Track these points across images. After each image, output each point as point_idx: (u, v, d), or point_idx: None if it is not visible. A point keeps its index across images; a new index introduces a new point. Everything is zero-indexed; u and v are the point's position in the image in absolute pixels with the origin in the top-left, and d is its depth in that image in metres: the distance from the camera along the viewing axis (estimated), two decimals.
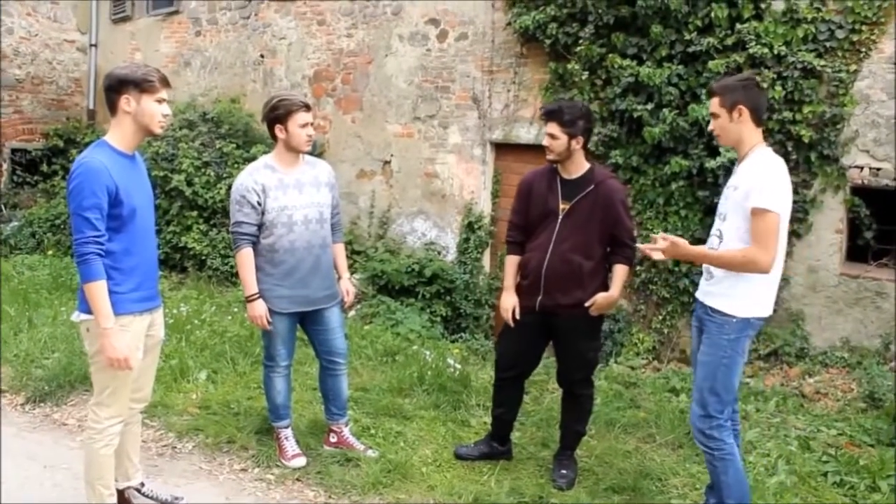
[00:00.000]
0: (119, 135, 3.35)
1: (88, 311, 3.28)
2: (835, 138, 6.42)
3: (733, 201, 3.44)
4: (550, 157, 4.10)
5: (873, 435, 5.05)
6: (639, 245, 3.71)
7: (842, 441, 4.95)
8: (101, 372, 3.37)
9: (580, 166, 4.12)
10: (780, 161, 3.45)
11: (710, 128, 3.62)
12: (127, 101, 3.29)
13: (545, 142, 4.08)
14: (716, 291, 3.50)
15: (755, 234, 3.32)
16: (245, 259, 4.09)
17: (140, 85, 3.29)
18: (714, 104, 3.51)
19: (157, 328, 3.61)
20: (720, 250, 3.45)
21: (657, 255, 3.53)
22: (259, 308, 4.07)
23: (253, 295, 4.08)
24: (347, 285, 4.42)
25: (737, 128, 3.46)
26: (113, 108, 3.33)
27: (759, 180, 3.33)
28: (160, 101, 3.35)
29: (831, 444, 4.89)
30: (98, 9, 13.11)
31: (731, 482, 3.53)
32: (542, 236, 4.12)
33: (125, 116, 3.32)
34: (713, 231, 3.61)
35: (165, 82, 3.38)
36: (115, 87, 3.30)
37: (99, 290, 3.19)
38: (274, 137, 4.16)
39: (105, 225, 3.22)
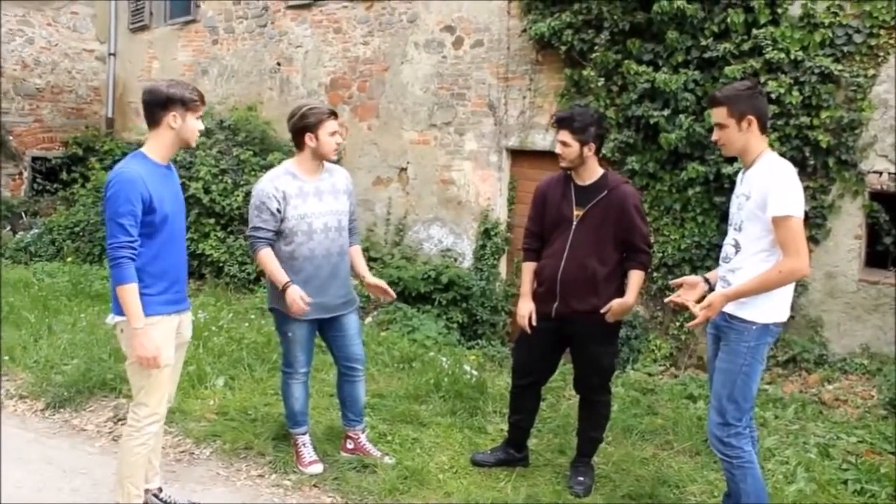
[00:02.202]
0: (157, 147, 3.53)
1: (122, 312, 3.42)
2: (853, 143, 6.38)
3: (748, 211, 3.40)
4: (563, 164, 4.11)
5: (894, 442, 5.00)
6: (689, 325, 3.64)
7: (862, 448, 4.90)
8: (136, 372, 3.52)
9: (593, 172, 4.12)
10: (788, 164, 3.42)
11: (714, 137, 3.56)
12: (174, 118, 3.47)
13: (557, 149, 4.10)
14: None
15: (783, 243, 3.28)
16: (266, 257, 4.08)
17: (187, 104, 3.49)
18: (720, 114, 3.46)
19: (184, 329, 3.76)
20: (755, 277, 3.34)
21: (703, 318, 3.43)
22: (294, 293, 3.96)
23: (286, 283, 3.99)
24: (378, 281, 4.38)
25: (744, 137, 3.43)
26: (156, 121, 3.50)
27: (773, 187, 3.29)
28: (199, 117, 3.56)
29: (851, 451, 4.84)
30: (116, 18, 13.27)
31: (749, 490, 3.50)
32: (557, 243, 4.12)
33: (169, 131, 3.50)
34: (727, 241, 3.56)
35: (204, 100, 3.59)
36: (163, 104, 3.46)
37: (130, 293, 3.35)
38: (300, 146, 4.17)
39: (138, 231, 3.38)
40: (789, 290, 3.46)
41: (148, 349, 3.37)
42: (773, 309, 3.41)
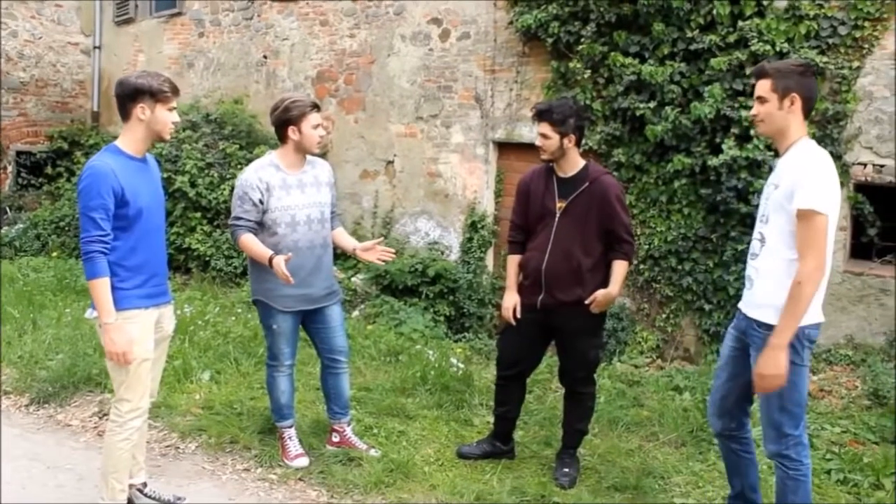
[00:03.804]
0: (130, 140, 3.49)
1: None
2: (838, 135, 6.41)
3: (775, 201, 3.15)
4: (544, 156, 4.12)
5: (877, 432, 5.04)
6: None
7: (846, 439, 4.94)
8: (115, 367, 3.48)
9: (575, 164, 4.13)
10: (826, 155, 3.16)
11: (752, 112, 3.30)
12: (142, 110, 3.42)
13: (538, 142, 4.11)
14: (760, 301, 3.20)
15: (801, 240, 3.03)
16: (248, 240, 4.02)
17: (156, 95, 3.43)
18: (764, 87, 3.19)
19: (165, 323, 3.72)
20: (785, 307, 3.06)
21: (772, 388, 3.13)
22: (281, 262, 3.82)
23: (271, 256, 3.90)
24: (368, 243, 4.24)
25: (784, 117, 3.17)
26: (126, 114, 3.46)
27: (805, 177, 3.04)
28: (171, 109, 3.49)
29: (835, 441, 4.88)
30: (101, 11, 13.16)
31: (799, 501, 3.27)
32: (541, 235, 4.13)
33: (139, 123, 3.45)
34: (755, 235, 3.33)
35: (177, 91, 3.53)
36: (131, 96, 3.42)
37: (101, 287, 3.32)
38: (283, 139, 4.15)
39: (111, 225, 3.34)
40: (821, 287, 3.14)
41: (117, 344, 3.34)
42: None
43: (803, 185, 3.03)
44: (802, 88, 3.17)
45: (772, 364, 3.07)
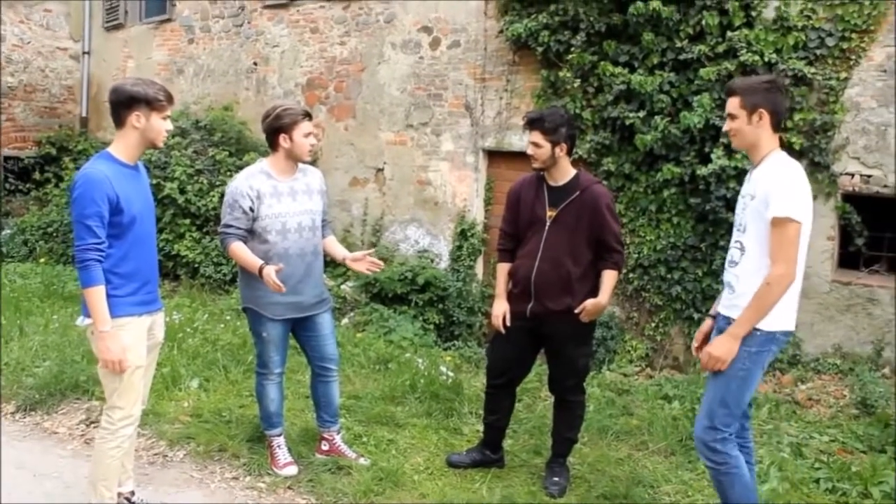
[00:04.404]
0: (123, 147, 3.48)
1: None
2: (826, 146, 6.45)
3: (752, 210, 3.28)
4: (535, 165, 4.13)
5: (865, 441, 5.06)
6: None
7: (834, 447, 4.96)
8: (108, 375, 3.47)
9: (566, 173, 4.14)
10: (798, 165, 3.30)
11: (725, 128, 3.44)
12: (137, 118, 3.42)
13: (529, 150, 4.11)
14: (741, 304, 3.29)
15: (774, 246, 3.17)
16: (237, 248, 4.01)
17: (151, 103, 3.43)
18: (733, 104, 3.34)
19: (156, 330, 3.73)
20: (750, 303, 3.21)
21: (713, 369, 3.31)
22: (270, 273, 3.82)
23: (260, 266, 3.88)
24: (359, 254, 4.26)
25: (754, 131, 3.31)
26: (120, 121, 3.45)
27: (778, 187, 3.17)
28: (165, 117, 3.50)
29: (823, 450, 4.90)
30: (91, 16, 13.12)
31: (738, 497, 3.38)
32: (531, 243, 4.14)
33: (133, 131, 3.45)
34: (733, 243, 3.45)
35: (171, 100, 3.53)
36: (126, 103, 3.42)
37: (97, 295, 3.32)
38: (274, 147, 4.14)
39: (105, 232, 3.34)
40: (794, 295, 3.30)
41: (113, 352, 3.34)
42: (779, 316, 3.26)
43: (777, 195, 3.17)
44: (769, 104, 3.30)
45: (724, 348, 3.27)
